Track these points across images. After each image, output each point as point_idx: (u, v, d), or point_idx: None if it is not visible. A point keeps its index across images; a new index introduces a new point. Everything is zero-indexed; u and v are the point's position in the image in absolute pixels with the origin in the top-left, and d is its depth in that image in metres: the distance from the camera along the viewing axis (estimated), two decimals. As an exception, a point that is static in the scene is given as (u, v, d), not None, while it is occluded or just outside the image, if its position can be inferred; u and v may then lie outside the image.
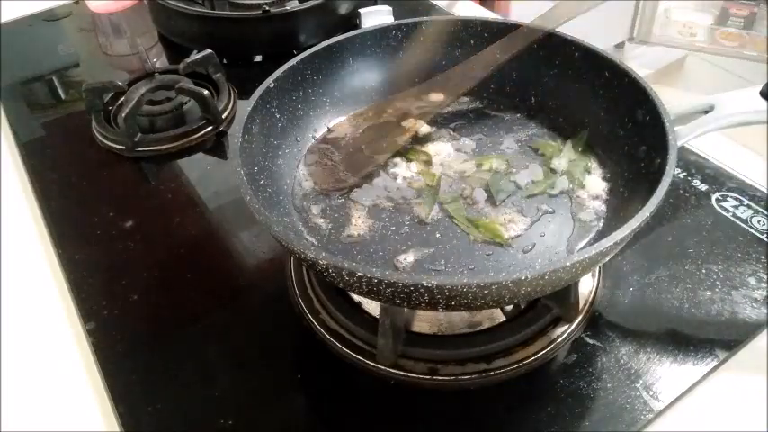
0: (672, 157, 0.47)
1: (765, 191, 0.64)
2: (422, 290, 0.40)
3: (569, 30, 0.61)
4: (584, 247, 0.52)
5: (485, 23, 0.65)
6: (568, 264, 0.40)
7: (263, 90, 0.57)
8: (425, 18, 0.66)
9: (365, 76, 0.67)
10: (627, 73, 0.56)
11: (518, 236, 0.53)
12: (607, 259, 0.45)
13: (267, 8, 0.88)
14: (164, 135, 0.76)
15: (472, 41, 0.66)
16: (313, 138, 0.63)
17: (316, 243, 0.54)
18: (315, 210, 0.57)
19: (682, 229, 0.61)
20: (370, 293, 0.43)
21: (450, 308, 0.44)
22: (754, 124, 0.51)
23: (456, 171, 0.60)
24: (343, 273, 0.41)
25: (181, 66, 0.80)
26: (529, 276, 0.40)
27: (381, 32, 0.66)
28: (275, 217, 0.49)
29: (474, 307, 0.47)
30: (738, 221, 0.61)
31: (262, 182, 0.53)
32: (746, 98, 0.51)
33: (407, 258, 0.52)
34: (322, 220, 0.56)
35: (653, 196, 0.44)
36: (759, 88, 0.50)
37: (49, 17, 1.06)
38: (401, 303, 0.43)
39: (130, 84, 0.79)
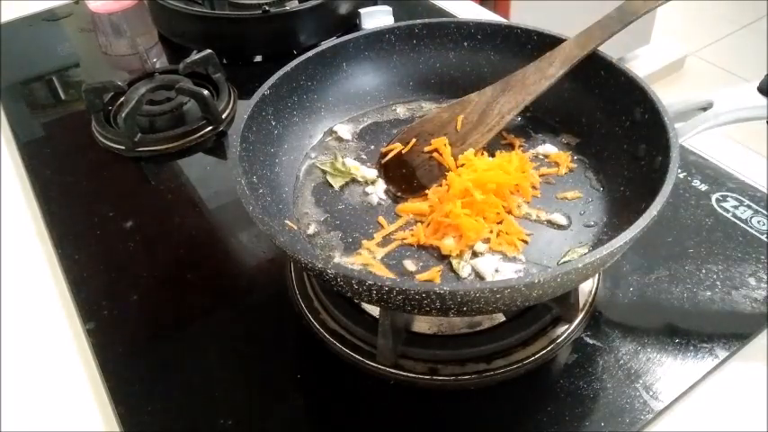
0: (674, 154, 0.47)
1: (765, 191, 0.64)
2: (433, 296, 0.40)
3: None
4: (583, 249, 0.52)
5: (478, 25, 0.65)
6: (580, 265, 0.40)
7: (258, 98, 0.56)
8: (418, 21, 0.66)
9: (359, 80, 0.66)
10: (623, 71, 0.56)
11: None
12: (615, 259, 0.45)
13: (267, 8, 0.88)
14: (163, 135, 0.75)
15: (465, 43, 0.66)
16: (309, 145, 0.63)
17: (320, 252, 0.53)
18: (315, 217, 0.56)
19: (682, 229, 0.61)
20: (380, 302, 0.42)
21: (462, 313, 0.43)
22: (754, 120, 0.51)
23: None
24: (353, 282, 0.41)
25: (181, 66, 0.80)
26: (542, 279, 0.39)
27: (374, 36, 0.65)
28: (277, 226, 0.49)
29: (486, 312, 0.47)
30: (738, 221, 0.61)
31: (261, 191, 0.52)
32: (744, 94, 0.51)
33: (410, 265, 0.51)
34: (323, 227, 0.55)
35: (659, 194, 0.44)
36: (757, 84, 0.50)
37: (49, 17, 1.06)
38: (411, 310, 0.43)
39: (130, 84, 0.79)
